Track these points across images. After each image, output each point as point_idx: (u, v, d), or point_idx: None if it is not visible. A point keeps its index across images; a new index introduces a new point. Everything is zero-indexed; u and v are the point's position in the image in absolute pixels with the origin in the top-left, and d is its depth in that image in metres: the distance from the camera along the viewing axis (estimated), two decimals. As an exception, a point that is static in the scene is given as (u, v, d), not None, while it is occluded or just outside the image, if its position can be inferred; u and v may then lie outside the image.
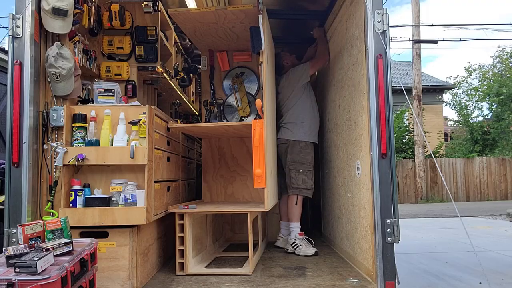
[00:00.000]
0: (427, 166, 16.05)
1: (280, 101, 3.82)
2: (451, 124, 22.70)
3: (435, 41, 14.48)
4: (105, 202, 2.48)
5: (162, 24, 3.81)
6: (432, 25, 22.60)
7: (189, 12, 3.19)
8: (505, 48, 21.04)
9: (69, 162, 2.49)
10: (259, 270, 2.93)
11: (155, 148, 2.71)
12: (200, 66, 4.38)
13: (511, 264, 4.74)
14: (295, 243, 3.46)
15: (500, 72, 20.54)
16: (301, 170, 3.57)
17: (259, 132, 2.82)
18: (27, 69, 2.41)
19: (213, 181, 3.89)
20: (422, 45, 15.93)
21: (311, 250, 3.39)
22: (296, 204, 3.57)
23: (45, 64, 2.54)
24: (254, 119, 2.90)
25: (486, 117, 20.22)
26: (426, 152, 15.89)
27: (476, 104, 20.23)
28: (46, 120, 2.56)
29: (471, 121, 19.30)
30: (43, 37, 2.60)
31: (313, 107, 3.80)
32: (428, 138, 19.04)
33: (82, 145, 2.57)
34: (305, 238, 3.49)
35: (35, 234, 1.98)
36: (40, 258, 1.67)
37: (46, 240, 1.99)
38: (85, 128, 2.60)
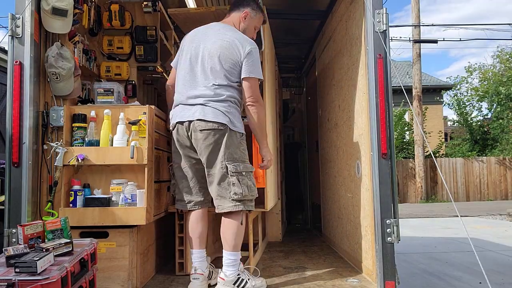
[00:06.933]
0: (427, 166, 16.04)
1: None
2: (451, 124, 22.69)
3: (435, 41, 14.50)
4: (105, 202, 2.48)
5: (162, 24, 3.80)
6: (432, 25, 22.64)
7: (189, 12, 3.19)
8: (504, 48, 21.04)
9: (69, 162, 2.49)
10: (259, 270, 2.93)
11: (155, 148, 2.71)
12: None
13: (511, 264, 4.74)
14: (241, 280, 2.45)
15: (500, 72, 20.53)
16: (244, 173, 2.46)
17: (259, 132, 2.80)
18: (27, 69, 2.41)
19: (213, 181, 3.88)
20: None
21: (263, 283, 2.54)
22: (241, 223, 2.52)
23: (45, 64, 2.53)
24: (254, 119, 2.88)
25: (486, 117, 20.23)
26: (426, 152, 15.88)
27: (476, 104, 20.25)
28: (46, 120, 2.56)
29: (471, 121, 19.30)
30: (43, 37, 2.60)
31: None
32: (428, 138, 19.03)
33: (82, 145, 2.56)
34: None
35: (35, 234, 1.97)
36: (40, 258, 1.67)
37: (46, 240, 1.99)
38: (85, 128, 2.60)
